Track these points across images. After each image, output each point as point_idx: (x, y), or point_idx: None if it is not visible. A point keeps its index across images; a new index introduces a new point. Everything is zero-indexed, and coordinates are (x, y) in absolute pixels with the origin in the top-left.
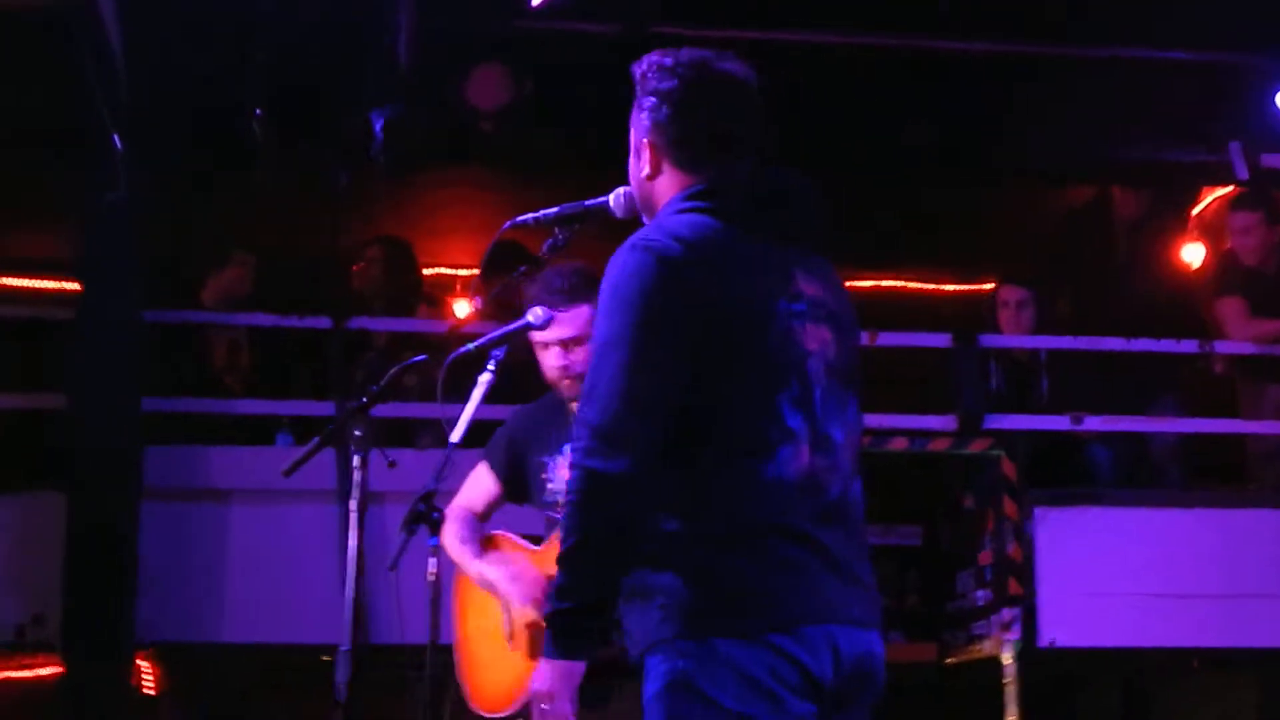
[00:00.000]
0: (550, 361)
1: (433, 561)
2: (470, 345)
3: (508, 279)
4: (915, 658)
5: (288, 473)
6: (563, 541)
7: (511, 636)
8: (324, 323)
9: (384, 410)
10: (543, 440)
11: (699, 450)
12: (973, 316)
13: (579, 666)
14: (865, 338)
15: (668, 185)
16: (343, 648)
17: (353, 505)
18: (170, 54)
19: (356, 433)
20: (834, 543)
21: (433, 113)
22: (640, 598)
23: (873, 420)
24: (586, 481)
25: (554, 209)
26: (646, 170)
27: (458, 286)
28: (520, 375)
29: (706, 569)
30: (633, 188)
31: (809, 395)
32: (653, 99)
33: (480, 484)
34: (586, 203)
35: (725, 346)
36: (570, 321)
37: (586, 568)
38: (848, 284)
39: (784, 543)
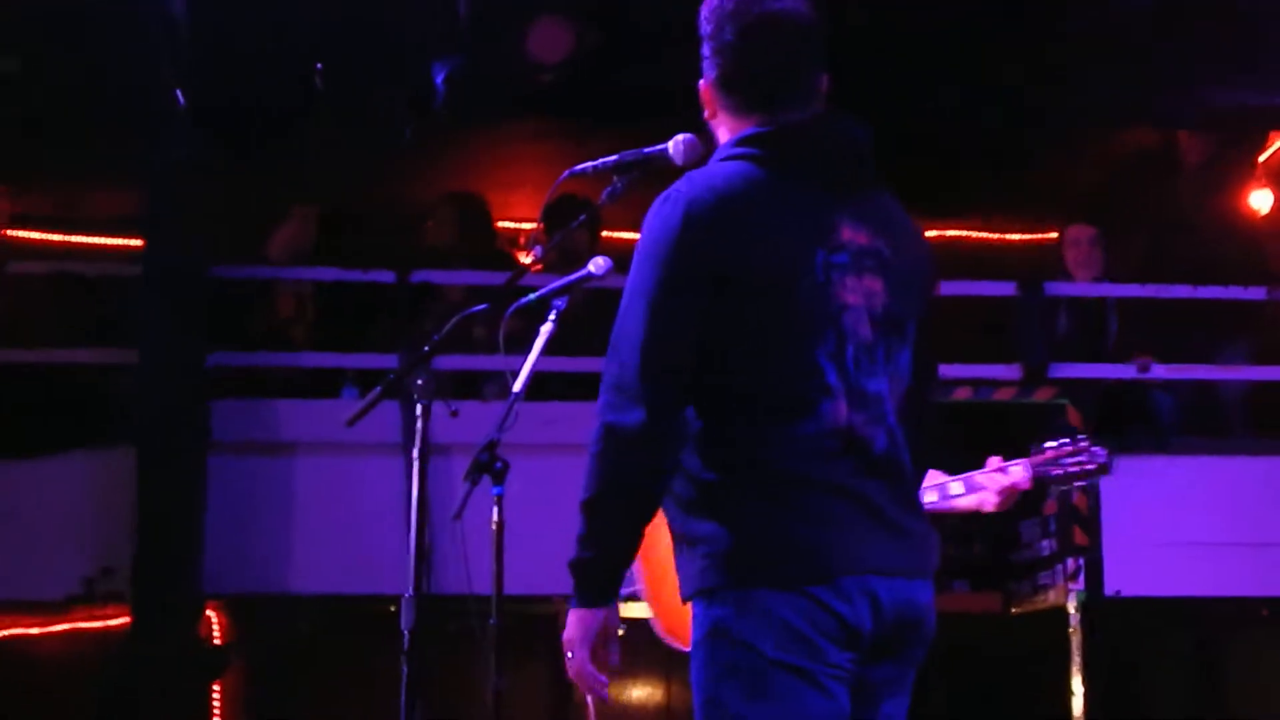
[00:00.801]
0: None
1: (496, 511)
2: (531, 296)
3: (568, 228)
4: (980, 608)
5: (351, 422)
6: (582, 491)
7: None
8: (387, 276)
9: (449, 362)
10: None
11: (735, 405)
12: (1038, 265)
13: (596, 615)
14: None
15: (724, 131)
16: (406, 595)
17: (415, 455)
18: (232, 10)
19: (419, 382)
20: (876, 493)
21: (494, 65)
22: (687, 544)
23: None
24: (603, 434)
25: (613, 157)
26: (709, 113)
27: (520, 239)
28: (582, 326)
29: (746, 520)
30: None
31: (843, 349)
32: (709, 43)
33: None
34: (645, 150)
35: (751, 301)
36: None
37: (602, 519)
38: None
39: (822, 495)
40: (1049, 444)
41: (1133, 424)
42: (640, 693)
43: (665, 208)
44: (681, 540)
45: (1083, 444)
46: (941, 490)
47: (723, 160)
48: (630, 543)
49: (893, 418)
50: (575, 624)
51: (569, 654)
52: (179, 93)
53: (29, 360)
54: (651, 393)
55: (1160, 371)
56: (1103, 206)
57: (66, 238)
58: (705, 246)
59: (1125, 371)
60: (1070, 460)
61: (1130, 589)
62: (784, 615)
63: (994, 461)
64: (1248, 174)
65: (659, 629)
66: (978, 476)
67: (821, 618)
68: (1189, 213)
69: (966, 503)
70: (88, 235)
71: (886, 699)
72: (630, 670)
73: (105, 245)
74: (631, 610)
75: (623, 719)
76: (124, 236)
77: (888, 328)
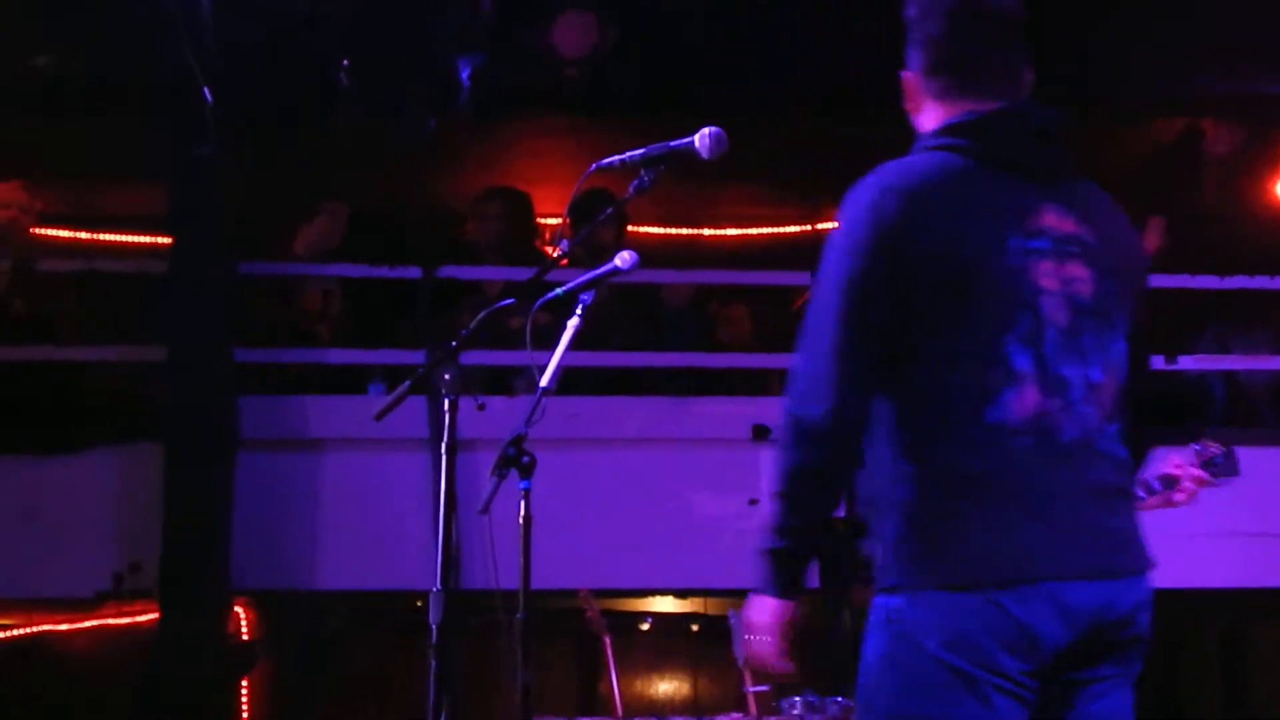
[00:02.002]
0: None
1: (523, 505)
2: (558, 290)
3: (594, 223)
4: None
5: (379, 416)
6: (773, 481)
7: None
8: (414, 272)
9: (476, 357)
10: None
11: (917, 396)
12: None
13: (782, 605)
14: None
15: (926, 120)
16: (434, 589)
17: (442, 450)
18: (258, 6)
19: (446, 377)
20: (1063, 490)
21: (518, 60)
22: (874, 540)
23: None
24: (789, 425)
25: (640, 151)
26: (912, 105)
27: (546, 234)
28: (608, 321)
29: (925, 518)
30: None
31: (1039, 335)
32: (914, 31)
33: None
34: (672, 144)
35: (941, 288)
36: None
37: (788, 511)
38: None
39: (1005, 493)
40: (1202, 445)
41: (1170, 415)
42: (668, 686)
43: (857, 197)
44: (870, 535)
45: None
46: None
47: (923, 150)
48: (817, 533)
49: (1092, 407)
50: (765, 611)
51: (753, 637)
52: (206, 90)
53: (57, 358)
54: (839, 384)
55: (1188, 363)
56: (1130, 197)
57: (94, 235)
58: (895, 232)
59: (1153, 362)
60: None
61: (1158, 580)
62: (956, 616)
63: (1174, 458)
64: (1274, 164)
65: None
66: (1171, 473)
67: (997, 622)
68: (1215, 203)
69: (1158, 501)
70: (115, 233)
71: (1094, 702)
72: (659, 664)
73: (133, 243)
74: (657, 605)
75: (651, 712)
76: (151, 234)
77: (1092, 316)
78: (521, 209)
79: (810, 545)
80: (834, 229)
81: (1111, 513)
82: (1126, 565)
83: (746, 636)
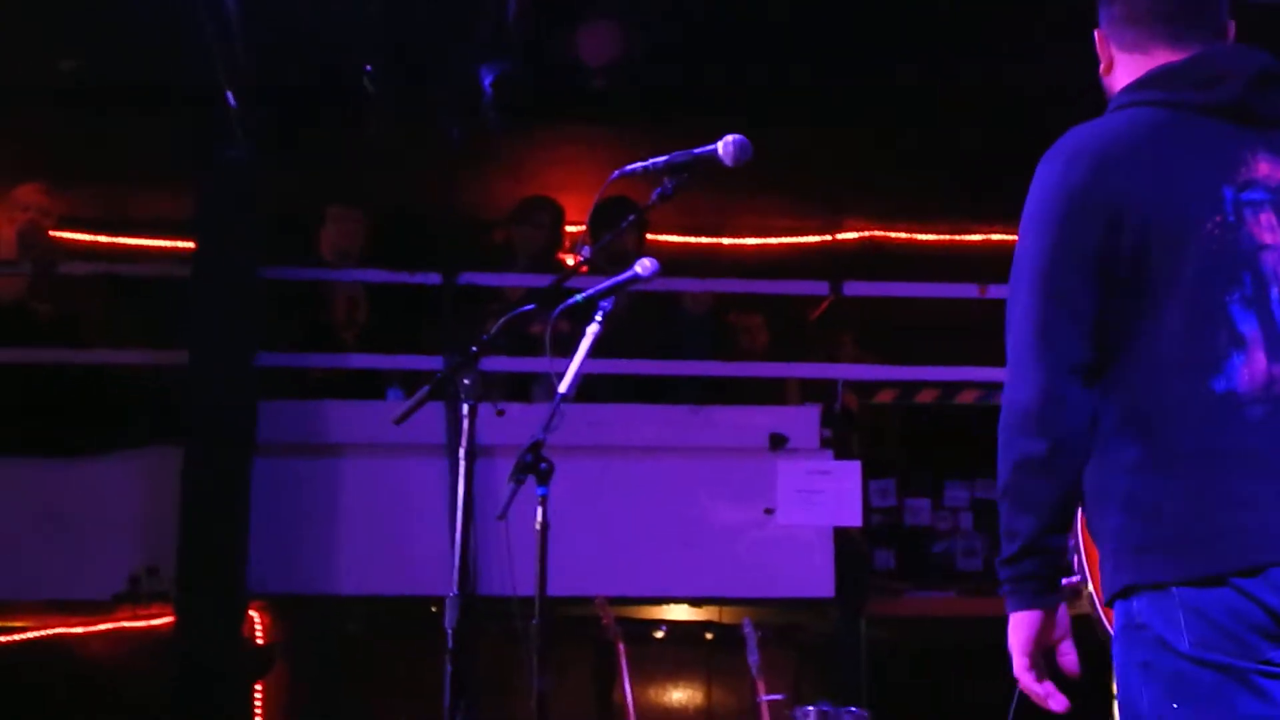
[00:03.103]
0: None
1: (540, 512)
2: (578, 296)
3: (616, 230)
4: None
5: (399, 420)
6: (997, 483)
7: None
8: (434, 278)
9: (495, 363)
10: None
11: (1136, 370)
12: None
13: (1030, 616)
14: (975, 290)
15: (1120, 77)
16: (451, 595)
17: (461, 455)
18: (285, 10)
19: (465, 382)
20: None
21: (542, 69)
22: (1099, 540)
23: (981, 373)
24: (1003, 415)
25: (663, 158)
26: (1104, 65)
27: (567, 242)
28: (628, 328)
29: (1152, 505)
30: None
31: (1264, 293)
32: None
33: None
34: (695, 151)
35: (1149, 252)
36: None
37: (1017, 502)
38: (957, 236)
39: (1238, 470)
40: None
41: None
42: (681, 695)
43: (1043, 167)
44: (1094, 536)
45: None
46: None
47: (1113, 110)
48: (1052, 530)
49: None
50: (1012, 629)
51: (1013, 660)
52: (230, 94)
53: (79, 361)
54: (1047, 365)
55: None
56: None
57: (115, 239)
58: (1090, 198)
59: None
60: None
61: None
62: (1203, 609)
63: None
64: None
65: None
66: None
67: (1248, 610)
68: None
69: None
70: (137, 236)
71: None
72: (673, 672)
73: (155, 246)
74: (671, 613)
75: None
76: (174, 238)
77: None
78: (561, 219)
79: (1046, 547)
80: (1026, 203)
81: None
82: None
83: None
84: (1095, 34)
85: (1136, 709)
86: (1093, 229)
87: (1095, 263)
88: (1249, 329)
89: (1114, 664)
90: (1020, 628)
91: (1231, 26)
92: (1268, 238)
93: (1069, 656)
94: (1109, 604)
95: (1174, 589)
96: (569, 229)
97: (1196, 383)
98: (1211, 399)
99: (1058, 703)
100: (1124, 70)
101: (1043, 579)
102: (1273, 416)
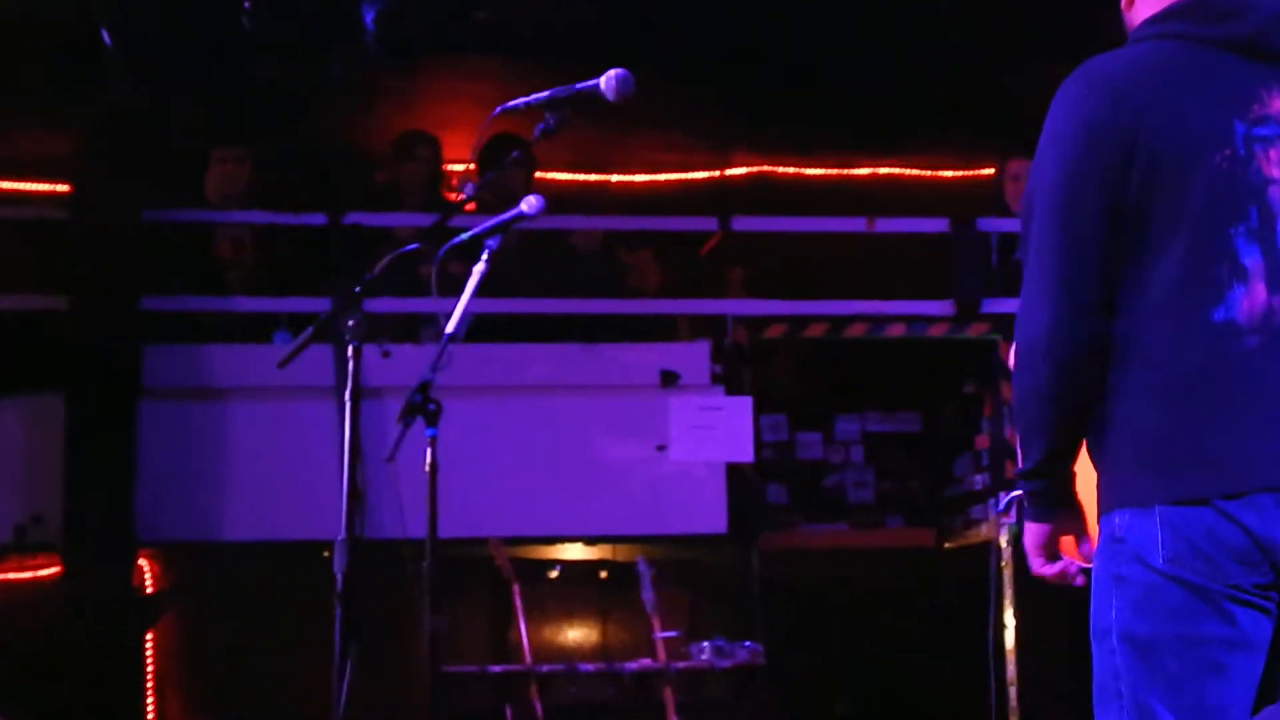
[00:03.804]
0: None
1: (429, 453)
2: (463, 235)
3: (501, 167)
4: (914, 542)
5: (282, 364)
6: (1014, 402)
7: None
8: (319, 219)
9: (381, 304)
10: None
11: (1137, 297)
12: (972, 203)
13: (1038, 527)
14: (863, 224)
15: (1140, 9)
16: (340, 539)
17: (346, 398)
18: None
19: (350, 324)
20: None
21: (424, 2)
22: (1097, 465)
23: (870, 307)
24: (1018, 336)
25: (545, 93)
26: (1124, 3)
27: (453, 179)
28: (517, 265)
29: (1144, 428)
30: (1125, 25)
31: (1270, 227)
32: None
33: None
34: (577, 85)
35: (1160, 183)
36: None
37: (1027, 427)
38: (844, 171)
39: (1231, 396)
40: None
41: None
42: (576, 634)
43: (1061, 93)
44: (1093, 460)
45: None
46: None
47: (1132, 43)
48: (1059, 455)
49: None
50: (1026, 533)
51: (1031, 562)
52: (105, 33)
53: None
54: (1060, 294)
55: None
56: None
57: None
58: (1106, 128)
59: None
60: None
61: None
62: (1181, 528)
63: None
64: None
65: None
66: None
67: (1225, 531)
68: None
69: None
70: (16, 180)
71: None
72: (568, 611)
73: (35, 190)
74: (565, 552)
75: (560, 659)
76: (54, 181)
77: None
78: (439, 152)
79: (1052, 471)
80: (1044, 129)
81: None
82: None
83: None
84: None
85: (1104, 619)
86: (1107, 161)
87: (1109, 195)
88: (1251, 261)
89: (1093, 574)
90: (1031, 534)
91: None
92: (1277, 172)
93: (1072, 569)
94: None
95: (1160, 508)
96: (457, 166)
97: (1196, 311)
98: (1210, 327)
99: (1076, 577)
100: (1144, 3)
101: (1050, 497)
102: (1269, 346)
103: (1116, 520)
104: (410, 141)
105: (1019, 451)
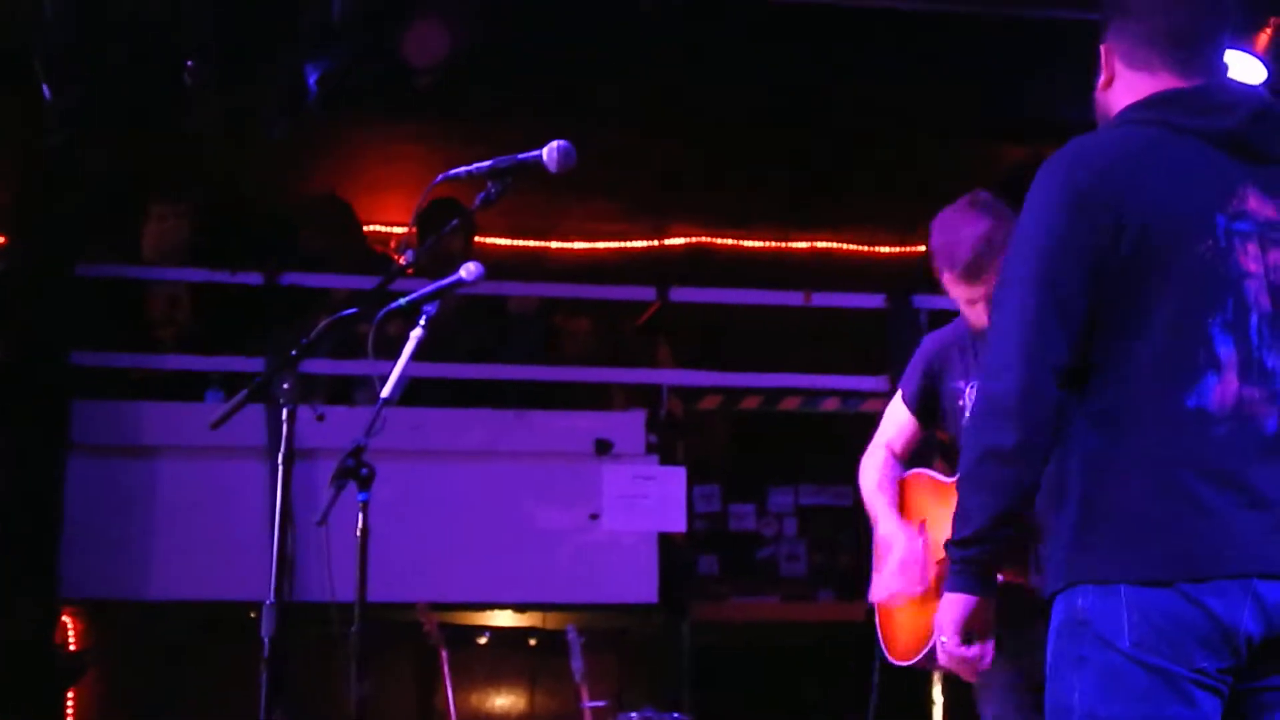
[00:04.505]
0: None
1: (361, 517)
2: (402, 300)
3: (440, 233)
4: (845, 616)
5: (215, 425)
6: (959, 467)
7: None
8: (255, 278)
9: (317, 366)
10: (955, 366)
11: (1112, 374)
12: (908, 278)
13: (965, 600)
14: (800, 298)
15: (1121, 93)
16: (268, 602)
17: (279, 460)
18: (104, 2)
19: (285, 386)
20: (1265, 482)
21: (368, 66)
22: (1051, 535)
23: (806, 381)
24: (981, 403)
25: (487, 162)
26: (1104, 79)
27: (393, 243)
28: (453, 330)
29: (1112, 507)
30: (1094, 112)
31: (1244, 320)
32: (1114, 1)
33: (895, 418)
34: (519, 156)
35: (1140, 262)
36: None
37: (978, 488)
38: (780, 245)
39: (1200, 481)
40: None
41: None
42: (504, 701)
43: (1046, 169)
44: (1046, 531)
45: None
46: None
47: (1119, 125)
48: (1004, 523)
49: None
50: (945, 609)
51: (941, 639)
52: (45, 86)
53: None
54: (1030, 357)
55: None
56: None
57: None
58: (1096, 195)
59: None
60: None
61: None
62: (1146, 611)
63: None
64: None
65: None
66: None
67: (1191, 615)
68: None
69: None
70: None
71: (1265, 714)
72: (496, 678)
73: None
74: (495, 618)
75: None
76: None
77: None
78: (346, 216)
79: (994, 537)
80: (1027, 201)
81: None
82: None
83: (940, 639)
84: (1101, 48)
85: (1067, 702)
86: (1093, 231)
87: (1093, 263)
88: (1225, 352)
89: (1047, 658)
90: (954, 607)
91: (1226, 67)
92: (1252, 266)
93: (988, 657)
94: (1051, 598)
95: (1121, 587)
96: (395, 229)
97: (1169, 394)
98: (1182, 411)
99: (987, 660)
100: (1126, 87)
101: (984, 566)
102: (1237, 434)
103: (1079, 601)
104: (304, 209)
105: (958, 510)
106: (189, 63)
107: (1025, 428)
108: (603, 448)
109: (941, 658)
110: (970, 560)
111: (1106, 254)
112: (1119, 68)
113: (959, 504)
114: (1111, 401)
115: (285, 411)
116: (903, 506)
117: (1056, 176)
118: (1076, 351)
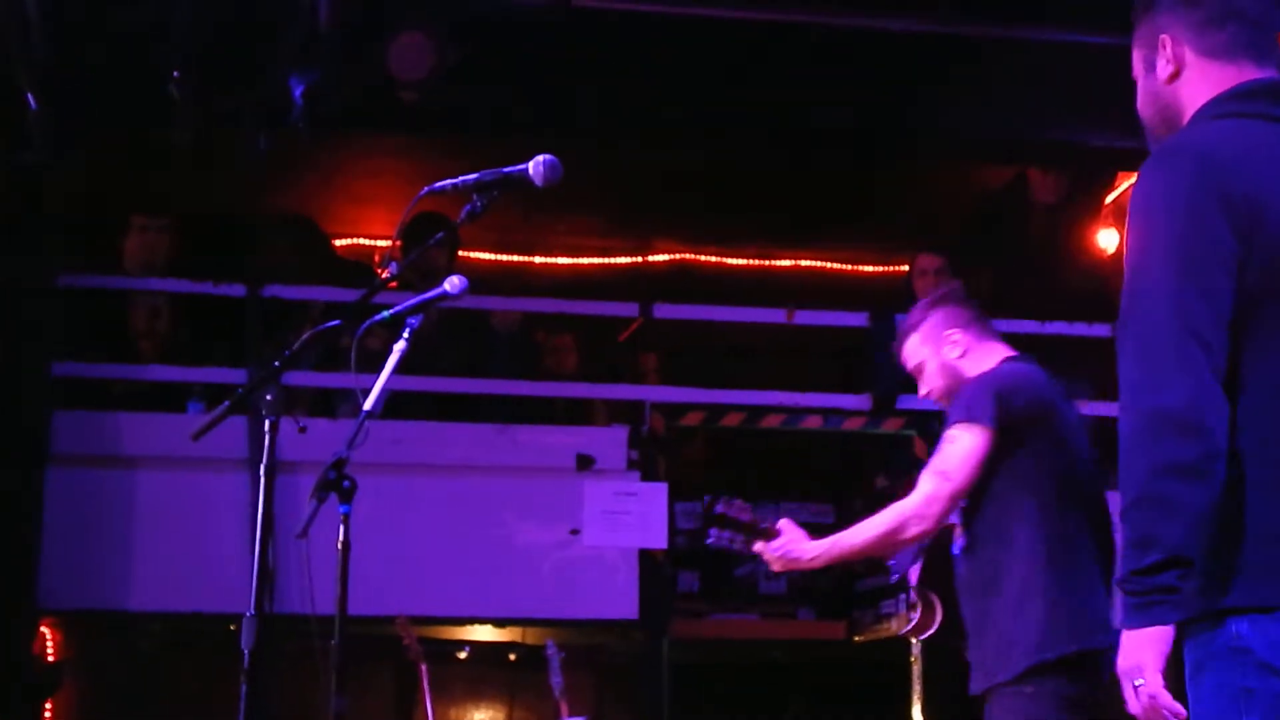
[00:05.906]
0: None
1: (342, 530)
2: (385, 313)
3: (425, 246)
4: (825, 635)
5: (197, 436)
6: (1123, 495)
7: None
8: (238, 290)
9: (299, 378)
10: None
11: (1249, 386)
12: (890, 297)
13: (1166, 633)
14: (783, 315)
15: (1196, 84)
16: (248, 614)
17: (261, 472)
18: (89, 12)
19: (267, 398)
20: None
21: (353, 79)
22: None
23: (787, 398)
24: (1141, 418)
25: (472, 176)
26: (1169, 70)
27: (377, 256)
28: (436, 344)
29: (1261, 526)
30: (1147, 107)
31: None
32: None
33: None
34: (505, 170)
35: (1259, 264)
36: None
37: (1156, 518)
38: (766, 263)
39: None
40: None
41: None
42: (483, 716)
43: (1161, 169)
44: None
45: None
46: None
47: (1210, 119)
48: (1197, 541)
49: None
50: (1143, 645)
51: (1135, 683)
52: (30, 96)
53: None
54: (1196, 364)
55: None
56: (955, 240)
57: None
58: (1220, 197)
59: None
60: None
61: None
62: (1254, 645)
63: None
64: (1096, 214)
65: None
66: None
67: None
68: (1040, 250)
69: None
70: None
71: None
72: (475, 693)
73: None
74: (475, 633)
75: None
76: None
77: None
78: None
79: (1189, 558)
80: (1141, 207)
81: None
82: None
83: (1134, 684)
84: (1161, 38)
85: None
86: (1230, 228)
87: (1234, 263)
88: None
89: (1196, 690)
90: (1154, 644)
91: None
92: None
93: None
94: (1187, 623)
95: (1229, 621)
96: (378, 242)
97: None
98: None
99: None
100: (1202, 77)
101: (1180, 592)
102: None
103: (1235, 629)
104: (266, 229)
105: (1129, 538)
106: (175, 74)
107: (1208, 437)
108: (584, 463)
109: (1137, 705)
110: (1164, 589)
111: (1243, 255)
112: (1190, 57)
113: (1133, 533)
114: (1247, 416)
115: (267, 423)
116: None
117: (1180, 171)
118: (1229, 353)
